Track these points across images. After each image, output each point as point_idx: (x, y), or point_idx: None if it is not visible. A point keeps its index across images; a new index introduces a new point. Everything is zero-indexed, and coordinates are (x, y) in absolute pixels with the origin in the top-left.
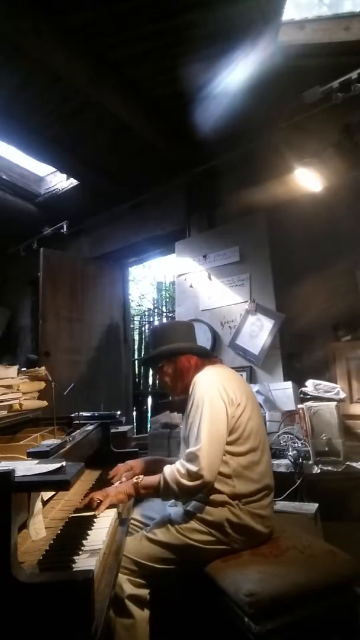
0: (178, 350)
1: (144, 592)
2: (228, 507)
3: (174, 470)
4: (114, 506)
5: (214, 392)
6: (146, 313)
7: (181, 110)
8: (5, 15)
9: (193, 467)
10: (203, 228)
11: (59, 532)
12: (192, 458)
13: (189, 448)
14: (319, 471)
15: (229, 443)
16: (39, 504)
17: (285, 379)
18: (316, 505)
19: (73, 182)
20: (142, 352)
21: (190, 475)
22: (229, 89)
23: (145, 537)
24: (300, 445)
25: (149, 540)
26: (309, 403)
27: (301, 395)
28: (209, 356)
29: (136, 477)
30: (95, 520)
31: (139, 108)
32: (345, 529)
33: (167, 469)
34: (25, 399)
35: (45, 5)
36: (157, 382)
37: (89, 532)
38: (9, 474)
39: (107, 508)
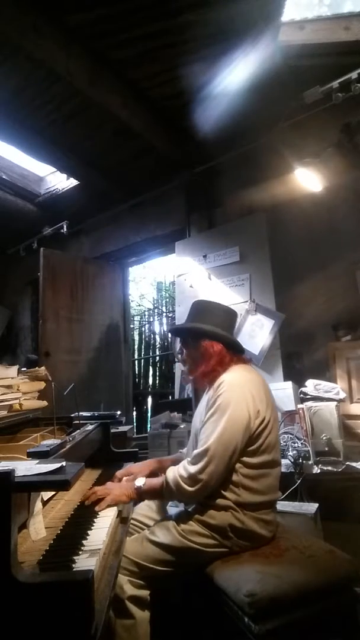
0: (205, 333)
1: (145, 593)
2: (232, 512)
3: (176, 474)
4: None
5: (241, 402)
6: (146, 313)
7: (181, 110)
8: (6, 15)
9: (194, 470)
10: (203, 228)
11: (59, 532)
12: (197, 461)
13: (198, 446)
14: (319, 471)
15: (244, 454)
16: (39, 504)
17: (285, 379)
18: (316, 505)
19: (73, 182)
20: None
21: (192, 479)
22: (229, 89)
23: (146, 539)
24: (300, 445)
25: (150, 541)
26: (309, 403)
27: (301, 395)
28: (237, 350)
29: (139, 479)
30: (95, 520)
31: (139, 108)
32: (345, 529)
33: (170, 473)
34: (25, 399)
35: (45, 5)
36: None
37: (89, 532)
38: (9, 474)
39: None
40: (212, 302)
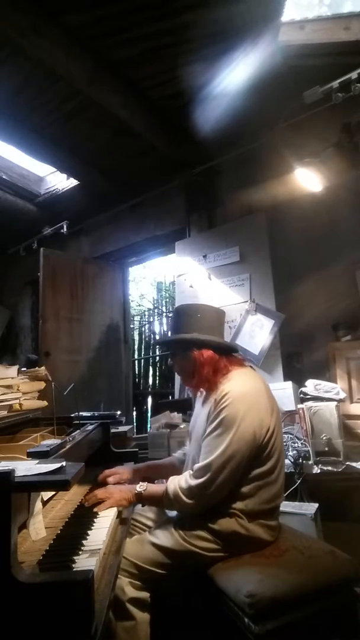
0: (193, 343)
1: (145, 595)
2: (236, 519)
3: (176, 486)
4: None
5: (247, 416)
6: (146, 313)
7: (181, 110)
8: (6, 15)
9: (195, 483)
10: (203, 228)
11: (59, 532)
12: (199, 475)
13: (200, 461)
14: (319, 471)
15: (252, 464)
16: (39, 504)
17: (285, 379)
18: (316, 505)
19: (73, 182)
20: (142, 352)
21: (192, 492)
22: (229, 89)
23: (147, 541)
24: (300, 445)
25: (152, 544)
26: (309, 403)
27: (301, 395)
28: (229, 352)
29: (140, 484)
30: (95, 520)
31: (139, 108)
32: (345, 529)
33: (171, 484)
34: (25, 399)
35: (45, 5)
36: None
37: (89, 532)
38: (9, 474)
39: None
40: (193, 306)
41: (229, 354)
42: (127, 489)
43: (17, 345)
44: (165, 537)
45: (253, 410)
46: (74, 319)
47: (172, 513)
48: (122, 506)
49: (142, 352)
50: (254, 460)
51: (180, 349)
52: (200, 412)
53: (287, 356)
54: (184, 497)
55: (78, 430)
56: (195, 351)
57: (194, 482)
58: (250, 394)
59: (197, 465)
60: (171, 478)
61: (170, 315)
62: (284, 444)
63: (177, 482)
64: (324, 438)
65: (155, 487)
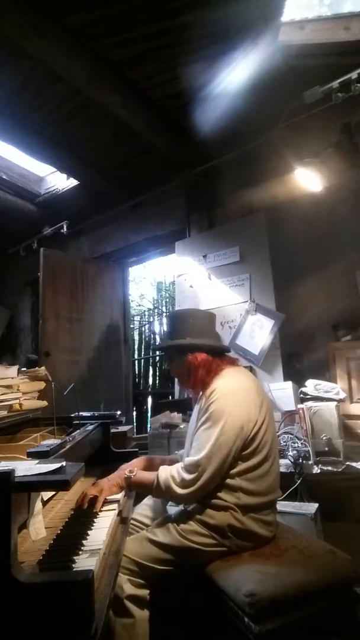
0: (187, 347)
1: (144, 593)
2: (231, 512)
3: (168, 476)
4: (114, 503)
5: (234, 409)
6: (146, 313)
7: (181, 110)
8: (6, 15)
9: (188, 477)
10: (203, 228)
11: (59, 532)
12: (190, 470)
13: (190, 454)
14: (319, 471)
15: (240, 458)
16: (39, 504)
17: (285, 379)
18: (316, 505)
19: (73, 182)
20: (142, 352)
21: (184, 483)
22: (229, 89)
23: (146, 538)
24: (300, 445)
25: (150, 541)
26: (309, 403)
27: (301, 395)
28: (222, 353)
29: (130, 470)
30: (95, 520)
31: (139, 108)
32: (345, 529)
33: (162, 473)
34: (25, 399)
35: (45, 5)
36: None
37: (89, 532)
38: (9, 474)
39: (106, 506)
40: (186, 311)
41: (222, 355)
42: (116, 475)
43: (17, 345)
44: (163, 534)
45: (241, 405)
46: (74, 319)
47: (171, 510)
48: (113, 493)
49: (142, 352)
50: (243, 454)
51: (176, 354)
52: (195, 409)
53: (287, 356)
54: (175, 488)
55: (78, 430)
56: (190, 355)
57: (186, 475)
58: (238, 389)
59: (188, 459)
60: (162, 467)
61: None
62: (284, 443)
63: (170, 472)
64: (324, 438)
65: (146, 474)
